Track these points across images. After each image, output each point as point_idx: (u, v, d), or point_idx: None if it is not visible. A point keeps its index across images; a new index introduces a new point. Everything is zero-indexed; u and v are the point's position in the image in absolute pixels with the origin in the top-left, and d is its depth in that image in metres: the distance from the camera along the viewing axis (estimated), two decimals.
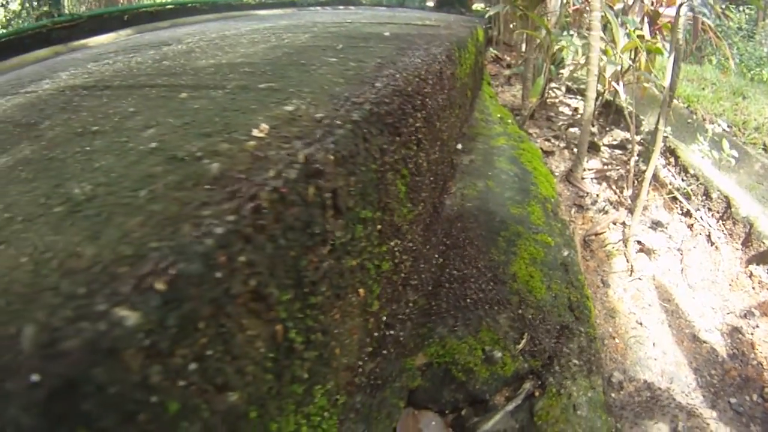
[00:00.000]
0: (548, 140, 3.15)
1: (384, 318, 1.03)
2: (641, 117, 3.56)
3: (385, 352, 1.04)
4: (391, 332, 1.06)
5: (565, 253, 1.61)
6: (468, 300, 1.27)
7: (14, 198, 0.80)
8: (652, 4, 3.34)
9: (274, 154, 0.70)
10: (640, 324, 2.15)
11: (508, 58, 4.59)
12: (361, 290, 0.89)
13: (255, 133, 0.78)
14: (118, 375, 0.44)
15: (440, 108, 1.46)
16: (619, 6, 3.48)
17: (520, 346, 1.26)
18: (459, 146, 1.91)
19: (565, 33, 3.32)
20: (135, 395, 0.45)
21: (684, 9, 2.53)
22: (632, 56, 3.17)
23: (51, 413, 0.42)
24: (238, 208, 0.57)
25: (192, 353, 0.50)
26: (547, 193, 1.82)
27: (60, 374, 0.43)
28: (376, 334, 1.00)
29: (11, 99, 1.67)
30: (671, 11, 3.08)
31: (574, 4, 3.78)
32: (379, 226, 0.94)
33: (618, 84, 3.07)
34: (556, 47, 3.31)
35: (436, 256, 1.36)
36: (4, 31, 3.85)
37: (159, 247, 0.53)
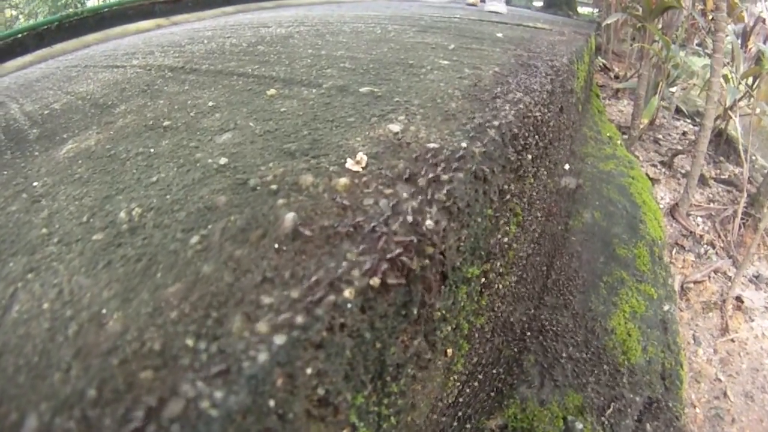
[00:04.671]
0: (654, 166, 2.87)
1: (465, 373, 0.89)
2: (753, 152, 3.21)
3: (458, 408, 0.91)
4: (468, 389, 0.93)
5: (666, 308, 1.42)
6: (558, 356, 1.12)
7: (60, 204, 0.77)
8: None
9: (371, 205, 0.56)
10: (724, 394, 1.92)
11: (617, 69, 4.24)
12: (449, 350, 0.76)
13: (349, 164, 0.64)
14: None
15: (557, 129, 1.28)
16: (739, 26, 3.17)
17: (605, 418, 1.11)
18: (567, 167, 1.72)
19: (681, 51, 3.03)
20: None
21: None
22: (750, 83, 2.86)
23: None
24: (313, 306, 0.44)
25: None
26: (656, 233, 1.62)
27: None
28: (453, 391, 0.86)
29: (99, 73, 1.79)
30: None
31: (693, 19, 3.44)
32: (483, 280, 0.79)
33: (734, 113, 2.77)
34: (670, 65, 3.02)
35: (532, 297, 1.21)
36: (110, 1, 4.05)
37: (195, 349, 0.42)
